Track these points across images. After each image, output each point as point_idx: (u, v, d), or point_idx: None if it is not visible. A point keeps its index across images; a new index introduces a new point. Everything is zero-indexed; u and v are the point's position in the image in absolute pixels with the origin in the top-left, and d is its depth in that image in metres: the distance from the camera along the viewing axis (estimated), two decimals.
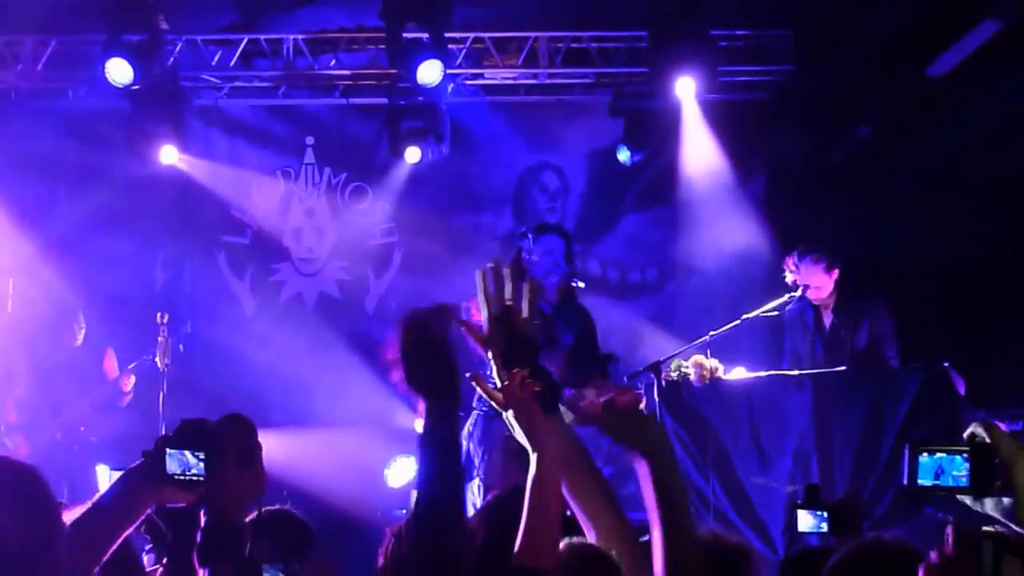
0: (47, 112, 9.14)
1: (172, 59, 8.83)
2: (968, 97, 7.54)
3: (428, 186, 9.54)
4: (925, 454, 2.35)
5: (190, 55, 9.01)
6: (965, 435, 2.33)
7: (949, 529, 1.92)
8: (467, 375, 2.57)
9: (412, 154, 9.02)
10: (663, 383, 6.68)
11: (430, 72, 8.39)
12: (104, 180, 9.14)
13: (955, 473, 2.32)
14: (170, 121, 8.78)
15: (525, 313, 2.57)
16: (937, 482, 2.33)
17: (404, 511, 7.18)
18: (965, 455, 2.31)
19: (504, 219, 9.78)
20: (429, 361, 2.33)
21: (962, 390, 6.48)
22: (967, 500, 2.34)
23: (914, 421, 6.40)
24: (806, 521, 3.68)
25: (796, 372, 6.92)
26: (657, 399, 6.62)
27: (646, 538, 2.55)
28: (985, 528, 2.15)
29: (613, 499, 2.68)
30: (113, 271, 8.97)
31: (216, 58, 9.04)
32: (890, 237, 8.24)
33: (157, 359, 7.84)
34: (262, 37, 9.05)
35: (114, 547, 2.44)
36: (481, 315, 2.59)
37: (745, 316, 7.10)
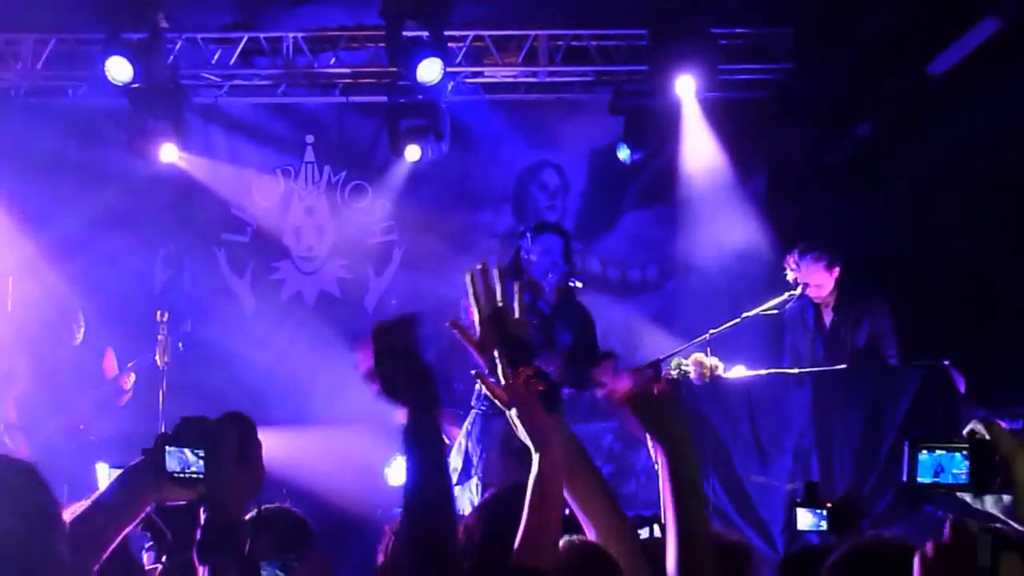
0: (47, 111, 9.11)
1: (172, 57, 8.80)
2: (969, 95, 7.52)
3: (428, 184, 9.53)
4: (924, 451, 2.33)
5: (190, 53, 9.00)
6: (965, 432, 2.32)
7: (948, 524, 1.91)
8: (472, 372, 2.58)
9: (412, 152, 9.01)
10: None
11: (430, 70, 8.39)
12: (104, 178, 9.13)
13: (955, 470, 2.30)
14: (170, 119, 8.76)
15: (516, 313, 2.58)
16: (937, 480, 2.32)
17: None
18: (965, 452, 2.29)
19: (504, 217, 9.77)
20: (400, 368, 2.36)
21: (962, 388, 6.48)
22: (967, 497, 2.32)
23: (914, 419, 6.39)
24: (806, 519, 3.68)
25: (796, 370, 6.91)
26: None
27: (645, 536, 2.55)
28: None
29: (612, 498, 2.68)
30: (113, 269, 8.97)
31: (216, 56, 9.04)
32: (890, 235, 8.23)
33: (157, 357, 7.83)
34: (262, 35, 9.04)
35: (114, 545, 2.44)
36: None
37: (745, 314, 7.10)
